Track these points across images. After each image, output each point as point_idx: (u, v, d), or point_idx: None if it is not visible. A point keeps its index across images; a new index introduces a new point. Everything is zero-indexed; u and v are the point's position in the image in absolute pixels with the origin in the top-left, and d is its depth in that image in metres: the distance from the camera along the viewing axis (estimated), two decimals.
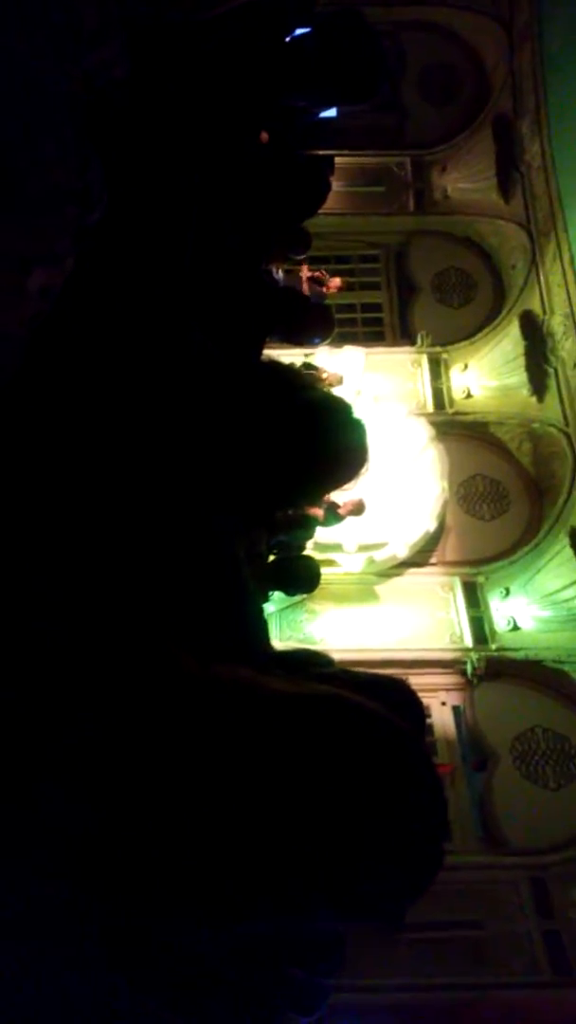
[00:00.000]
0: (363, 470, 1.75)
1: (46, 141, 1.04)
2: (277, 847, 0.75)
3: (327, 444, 1.56)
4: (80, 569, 1.12)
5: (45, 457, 1.23)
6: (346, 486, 1.75)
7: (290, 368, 3.64)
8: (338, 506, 7.00)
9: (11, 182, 1.00)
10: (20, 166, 0.98)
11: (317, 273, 7.72)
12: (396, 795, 0.79)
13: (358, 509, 7.14)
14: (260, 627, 2.61)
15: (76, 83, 1.10)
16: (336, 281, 7.97)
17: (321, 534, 7.34)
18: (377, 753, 0.81)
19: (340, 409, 1.63)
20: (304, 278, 7.61)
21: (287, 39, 2.95)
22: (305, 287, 7.55)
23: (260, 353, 3.80)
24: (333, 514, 7.01)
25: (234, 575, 1.79)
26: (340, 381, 7.98)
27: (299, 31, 3.22)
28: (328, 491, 1.73)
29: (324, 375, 7.87)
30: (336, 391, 8.32)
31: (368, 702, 0.87)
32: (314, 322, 3.94)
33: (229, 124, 2.99)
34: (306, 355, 7.99)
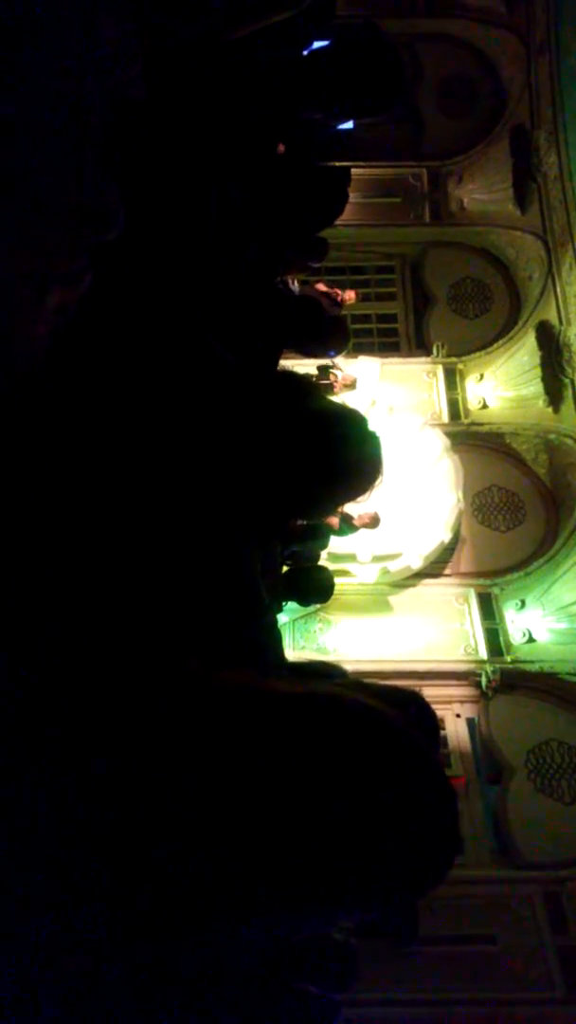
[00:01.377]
0: (378, 483, 1.75)
1: (65, 163, 1.05)
2: (281, 847, 0.74)
3: (341, 457, 1.56)
4: (96, 580, 1.13)
5: (63, 467, 1.24)
6: (360, 499, 1.75)
7: (306, 379, 3.66)
8: (352, 517, 6.99)
9: (30, 204, 1.01)
10: (39, 188, 0.99)
11: (332, 291, 7.74)
12: (398, 790, 0.78)
13: (373, 523, 7.14)
14: (274, 639, 2.62)
15: (95, 104, 1.11)
16: (350, 294, 7.99)
17: (335, 544, 7.34)
18: (378, 748, 0.80)
19: (355, 422, 1.63)
20: (319, 293, 7.64)
21: (305, 51, 2.97)
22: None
23: (277, 364, 3.81)
24: (347, 524, 7.01)
25: (249, 588, 1.80)
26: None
27: (317, 43, 3.24)
28: (342, 504, 1.73)
29: (339, 375, 7.87)
30: (351, 401, 8.33)
31: (368, 700, 0.86)
32: (330, 334, 3.95)
33: (246, 138, 3.01)
34: (318, 367, 8.01)
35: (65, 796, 0.74)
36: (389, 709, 0.86)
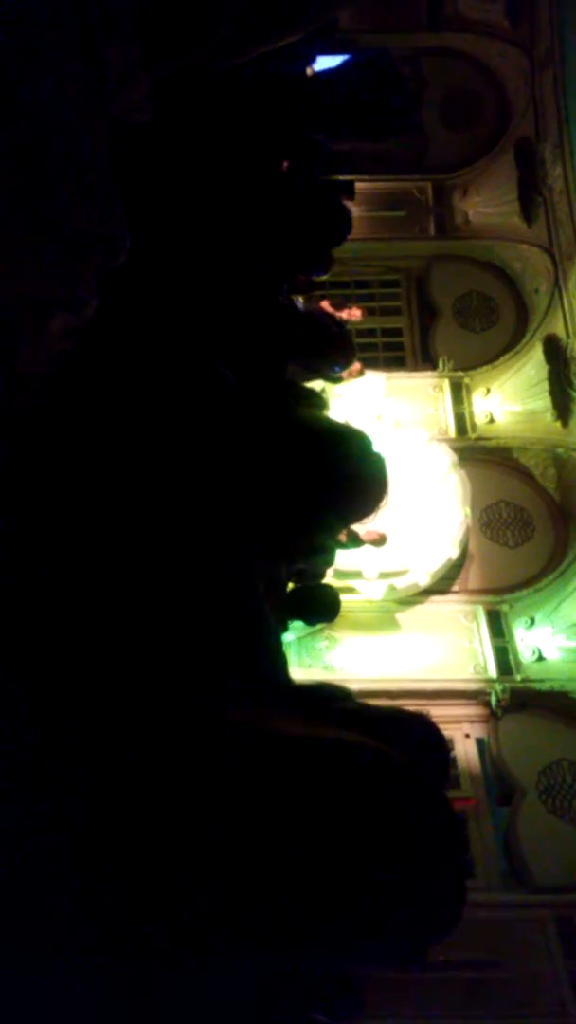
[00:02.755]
0: (383, 503, 1.72)
1: (71, 189, 1.02)
2: (286, 888, 0.73)
3: (345, 478, 1.55)
4: (96, 602, 1.11)
5: (66, 489, 1.24)
6: (366, 520, 1.75)
7: (309, 396, 3.61)
8: (359, 534, 6.94)
9: (36, 231, 0.99)
10: (45, 215, 0.96)
11: (337, 314, 7.73)
12: (400, 838, 0.79)
13: (380, 541, 7.08)
14: (280, 662, 2.55)
15: (100, 129, 1.08)
16: (357, 312, 7.97)
17: (341, 561, 7.28)
18: (379, 796, 0.80)
19: (358, 441, 1.61)
20: (324, 313, 7.63)
21: (315, 73, 2.96)
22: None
23: (281, 381, 3.77)
24: (353, 538, 6.96)
25: (254, 610, 1.75)
26: (362, 371, 7.93)
27: (328, 66, 3.24)
28: (346, 524, 1.72)
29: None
30: (357, 416, 8.29)
31: (371, 743, 0.87)
32: (334, 350, 3.91)
33: (251, 156, 2.98)
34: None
35: (73, 830, 0.73)
36: (395, 753, 0.86)
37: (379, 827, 0.77)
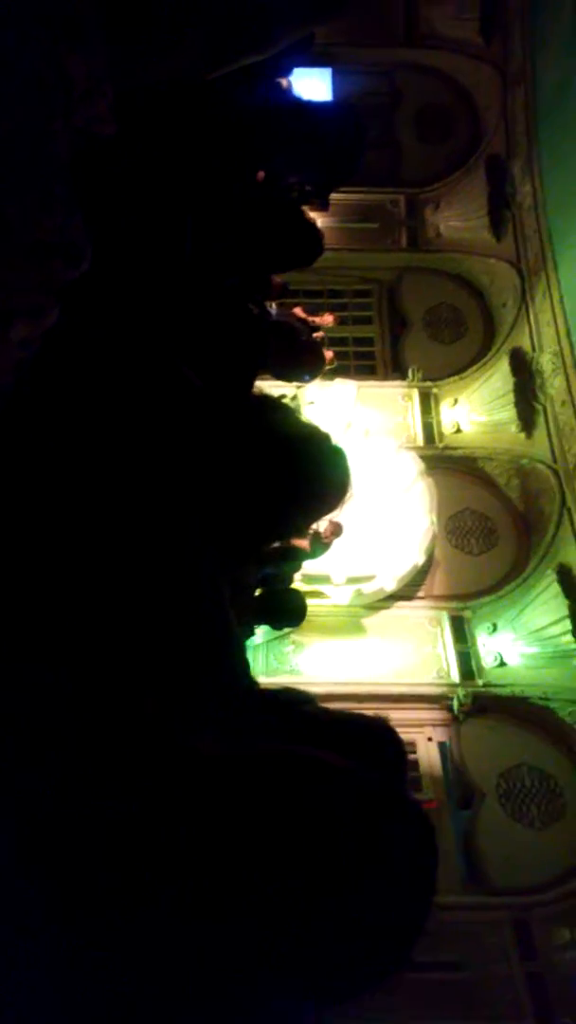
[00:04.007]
0: (347, 498, 1.76)
1: (32, 199, 1.05)
2: (249, 911, 0.74)
3: (308, 474, 1.57)
4: (58, 611, 1.10)
5: (28, 497, 1.23)
6: (332, 515, 1.76)
7: (271, 400, 3.66)
8: (321, 535, 6.98)
9: None
10: (4, 224, 0.98)
11: (309, 318, 7.79)
12: (364, 852, 0.78)
13: (337, 531, 7.11)
14: (244, 667, 2.59)
15: (63, 140, 1.11)
16: (328, 318, 8.05)
17: (309, 566, 7.33)
18: (337, 808, 0.80)
19: (318, 439, 1.65)
20: (296, 318, 7.69)
21: (286, 99, 3.03)
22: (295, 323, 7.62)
23: (251, 387, 3.82)
24: (319, 544, 7.00)
25: (218, 618, 1.78)
26: (333, 322, 7.93)
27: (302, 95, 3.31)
28: (312, 521, 1.74)
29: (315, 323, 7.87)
30: (326, 423, 8.34)
31: (322, 754, 0.87)
32: (304, 359, 3.97)
33: (223, 166, 3.03)
34: (297, 386, 8.03)
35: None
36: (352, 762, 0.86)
37: (353, 849, 0.77)
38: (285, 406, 3.65)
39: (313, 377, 4.23)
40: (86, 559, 1.23)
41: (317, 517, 1.73)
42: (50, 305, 1.13)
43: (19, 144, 1.03)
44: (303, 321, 7.84)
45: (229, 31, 1.18)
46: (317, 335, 7.94)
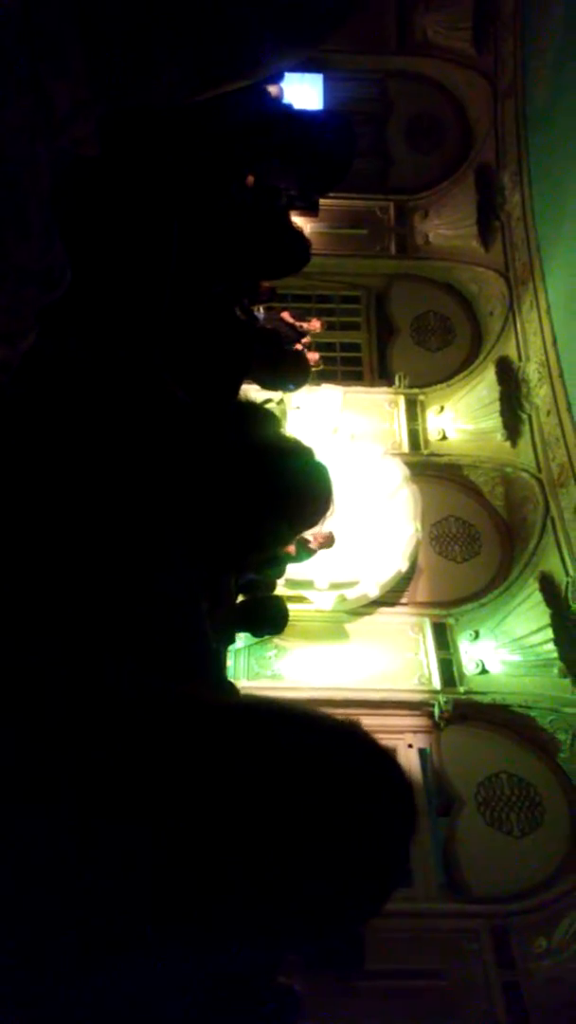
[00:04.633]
0: (328, 514, 1.76)
1: (8, 224, 1.04)
2: (226, 860, 0.72)
3: (289, 489, 1.58)
4: (34, 622, 1.11)
5: (10, 508, 1.24)
6: (313, 530, 1.77)
7: (256, 411, 3.66)
8: (308, 541, 6.99)
9: None
10: None
11: (297, 323, 7.81)
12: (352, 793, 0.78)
13: (328, 542, 7.13)
14: (219, 682, 2.59)
15: (44, 164, 1.10)
16: (315, 323, 8.06)
17: (293, 571, 7.33)
18: (323, 751, 0.80)
19: (301, 454, 1.65)
20: (284, 323, 7.70)
21: (281, 108, 3.04)
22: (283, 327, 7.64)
23: (236, 395, 3.82)
24: (304, 549, 7.00)
25: (192, 630, 1.78)
26: (321, 327, 7.99)
27: (297, 104, 3.32)
28: (293, 535, 1.74)
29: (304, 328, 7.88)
30: (313, 429, 8.37)
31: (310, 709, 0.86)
32: (289, 368, 3.97)
33: (211, 172, 3.03)
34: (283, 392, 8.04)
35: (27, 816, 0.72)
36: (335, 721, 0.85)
37: (331, 783, 0.77)
38: (268, 417, 3.65)
39: (298, 387, 4.24)
40: (63, 567, 1.24)
41: (299, 532, 1.74)
42: (27, 329, 1.13)
43: None
44: (291, 326, 7.86)
45: (216, 56, 1.17)
46: (304, 340, 7.97)
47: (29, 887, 0.68)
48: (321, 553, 7.08)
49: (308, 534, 6.80)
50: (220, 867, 0.72)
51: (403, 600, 8.48)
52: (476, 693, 7.78)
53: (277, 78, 6.18)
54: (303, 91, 8.88)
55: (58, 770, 0.74)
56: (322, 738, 0.82)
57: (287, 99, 5.95)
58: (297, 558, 6.91)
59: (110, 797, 0.73)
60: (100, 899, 0.69)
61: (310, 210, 8.30)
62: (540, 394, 8.72)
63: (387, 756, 0.87)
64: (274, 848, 0.73)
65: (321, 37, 1.19)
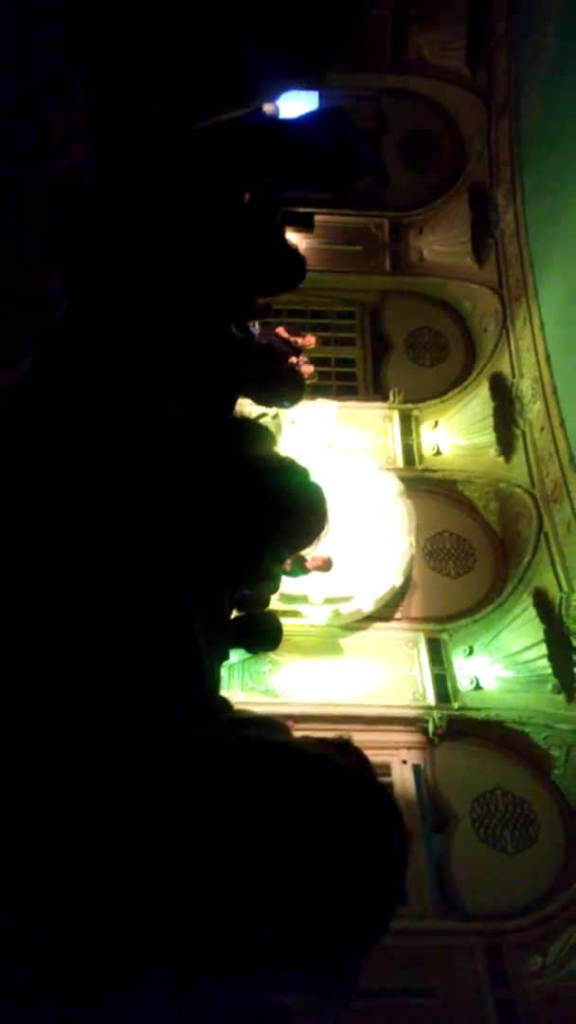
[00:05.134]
0: (323, 534, 1.76)
1: (4, 250, 1.04)
2: (216, 897, 0.72)
3: (283, 510, 1.58)
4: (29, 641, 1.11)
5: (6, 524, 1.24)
6: (307, 550, 1.76)
7: (250, 429, 3.66)
8: (305, 560, 6.99)
9: None
10: None
11: (292, 339, 7.85)
12: (338, 829, 0.77)
13: (326, 566, 7.15)
14: (213, 701, 2.58)
15: (40, 190, 1.11)
16: (310, 339, 8.11)
17: (287, 586, 7.32)
18: (307, 789, 0.79)
19: (296, 474, 1.65)
20: (279, 338, 7.74)
21: (272, 121, 3.05)
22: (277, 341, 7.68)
23: (231, 411, 3.82)
24: (299, 566, 7.00)
25: (189, 651, 1.77)
26: (316, 343, 7.99)
27: (287, 113, 3.33)
28: (288, 555, 1.74)
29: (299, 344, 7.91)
30: (308, 444, 8.39)
31: (295, 741, 0.86)
32: (284, 387, 3.98)
33: (207, 190, 3.04)
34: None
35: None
36: (327, 749, 0.85)
37: (322, 822, 0.76)
38: (264, 433, 3.64)
39: (293, 404, 4.24)
40: (54, 588, 1.23)
41: (294, 551, 1.74)
42: (25, 353, 1.13)
43: None
44: (285, 341, 7.89)
45: (211, 86, 1.18)
46: (300, 356, 8.00)
47: (16, 925, 0.68)
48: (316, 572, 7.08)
49: (306, 554, 6.81)
50: (210, 904, 0.71)
51: (397, 615, 8.47)
52: (470, 709, 7.77)
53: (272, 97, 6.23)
54: (298, 108, 8.95)
55: (45, 804, 0.73)
56: (312, 772, 0.81)
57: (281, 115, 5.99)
58: (291, 573, 6.91)
59: (99, 831, 0.72)
60: (87, 939, 0.69)
61: (305, 226, 8.37)
62: (534, 410, 8.76)
63: (376, 785, 0.86)
64: (265, 884, 0.72)
65: (316, 68, 1.20)
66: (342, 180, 2.75)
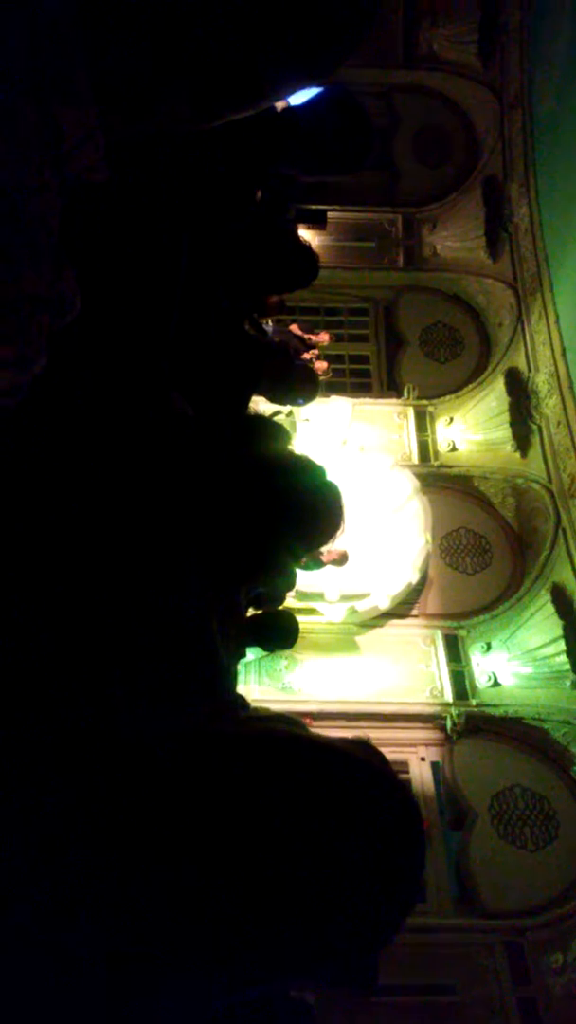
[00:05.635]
0: (340, 531, 1.75)
1: (19, 253, 1.05)
2: (234, 894, 0.71)
3: (300, 509, 1.58)
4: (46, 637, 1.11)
5: (21, 524, 1.23)
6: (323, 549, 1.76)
7: (266, 427, 3.66)
8: (321, 553, 6.99)
9: None
10: None
11: (306, 336, 7.85)
12: (357, 822, 0.76)
13: (341, 560, 7.14)
14: (230, 699, 2.59)
15: (52, 191, 1.11)
16: (324, 336, 8.10)
17: (304, 583, 7.33)
18: (328, 782, 0.78)
19: (312, 473, 1.65)
20: (293, 335, 7.74)
21: (280, 111, 3.04)
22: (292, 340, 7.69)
23: (245, 410, 3.83)
24: (315, 560, 7.00)
25: (206, 650, 1.78)
26: (327, 340, 7.96)
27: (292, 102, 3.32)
28: (304, 554, 1.74)
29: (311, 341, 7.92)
30: (322, 441, 8.39)
31: (317, 737, 0.85)
32: (298, 384, 3.98)
33: (220, 186, 3.05)
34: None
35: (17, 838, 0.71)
36: (345, 744, 0.84)
37: (340, 814, 0.75)
38: (279, 431, 3.64)
39: (307, 402, 4.24)
40: (75, 588, 1.24)
41: (310, 549, 1.74)
42: (38, 354, 1.14)
43: (6, 198, 1.03)
44: (299, 338, 7.89)
45: (220, 88, 1.19)
46: (312, 352, 8.00)
47: (30, 924, 0.68)
48: (331, 566, 7.08)
49: (321, 550, 6.81)
50: (234, 900, 0.72)
51: (414, 612, 8.45)
52: (488, 706, 7.74)
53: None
54: (304, 95, 8.94)
55: (64, 802, 0.74)
56: (335, 767, 0.81)
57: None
58: (307, 567, 6.91)
59: (123, 832, 0.72)
60: (107, 940, 0.69)
61: (319, 222, 8.36)
62: (550, 405, 8.71)
63: (396, 779, 0.86)
64: (285, 879, 0.72)
65: (327, 70, 1.20)
66: (357, 161, 2.74)
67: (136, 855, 0.72)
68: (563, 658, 7.57)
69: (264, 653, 7.28)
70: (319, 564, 7.00)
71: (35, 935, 0.68)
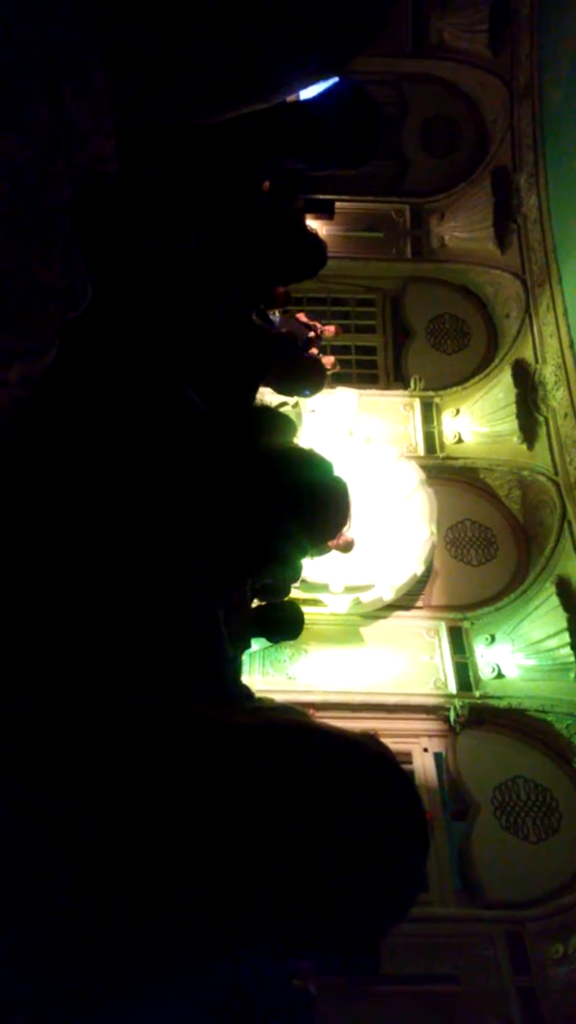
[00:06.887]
0: (346, 524, 1.76)
1: (31, 243, 1.05)
2: (244, 879, 0.72)
3: (307, 502, 1.59)
4: (51, 622, 1.12)
5: (28, 513, 1.24)
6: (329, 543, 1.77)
7: (273, 419, 3.65)
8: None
9: None
10: (3, 272, 0.98)
11: (313, 324, 7.82)
12: (364, 809, 0.77)
13: (347, 547, 7.13)
14: (236, 689, 2.59)
15: (64, 183, 1.11)
16: (331, 329, 8.08)
17: (308, 574, 7.33)
18: (340, 772, 0.79)
19: (319, 466, 1.65)
20: (300, 324, 7.71)
21: (288, 102, 3.03)
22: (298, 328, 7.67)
23: (252, 400, 3.83)
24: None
25: (212, 640, 1.79)
26: (338, 332, 7.93)
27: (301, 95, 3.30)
28: (311, 546, 1.74)
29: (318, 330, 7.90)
30: (328, 432, 8.38)
31: (327, 726, 0.86)
32: (305, 374, 3.97)
33: (228, 179, 3.04)
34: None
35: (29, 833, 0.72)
36: (354, 734, 0.85)
37: (345, 803, 0.76)
38: (285, 422, 3.63)
39: (314, 393, 4.23)
40: (83, 578, 1.25)
41: (317, 542, 1.74)
42: (49, 345, 1.14)
43: (18, 190, 1.04)
44: (306, 325, 7.87)
45: (235, 79, 1.18)
46: (318, 338, 7.97)
47: (43, 918, 0.69)
48: (337, 555, 7.06)
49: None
50: (241, 883, 0.73)
51: (418, 604, 8.46)
52: (492, 697, 7.76)
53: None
54: (314, 89, 8.89)
55: (77, 790, 0.75)
56: (338, 756, 0.82)
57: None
58: (311, 553, 6.90)
59: (131, 821, 0.73)
60: (118, 926, 0.70)
61: (327, 213, 8.33)
62: (557, 397, 8.68)
63: (399, 771, 0.87)
64: (293, 865, 0.73)
65: (343, 62, 1.19)
66: (366, 154, 2.73)
67: (148, 846, 0.73)
68: (567, 650, 7.57)
69: (269, 644, 7.30)
70: (324, 552, 6.99)
71: (62, 911, 0.69)
